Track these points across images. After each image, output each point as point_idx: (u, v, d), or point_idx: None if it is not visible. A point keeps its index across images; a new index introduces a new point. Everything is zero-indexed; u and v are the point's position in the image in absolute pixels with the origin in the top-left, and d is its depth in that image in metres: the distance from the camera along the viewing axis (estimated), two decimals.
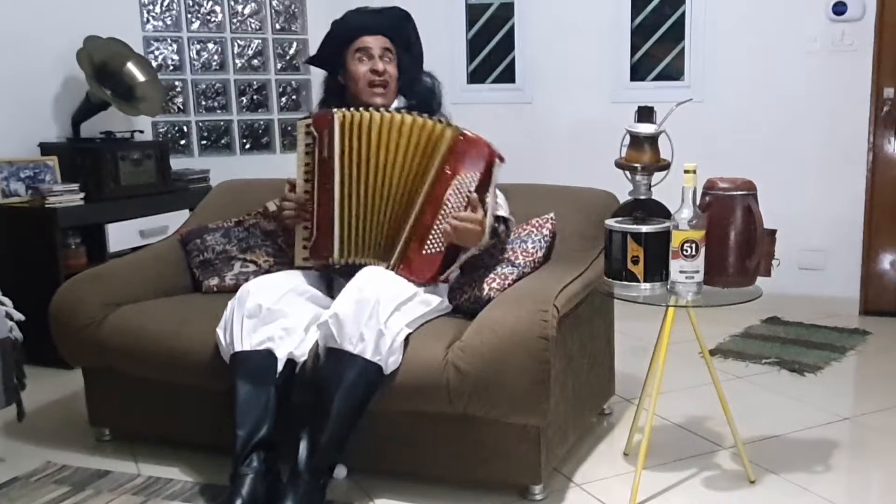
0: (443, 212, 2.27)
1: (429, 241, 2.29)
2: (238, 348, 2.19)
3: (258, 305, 2.21)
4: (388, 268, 2.31)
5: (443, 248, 2.29)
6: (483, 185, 2.27)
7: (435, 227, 2.28)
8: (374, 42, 2.49)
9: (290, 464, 2.09)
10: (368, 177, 2.33)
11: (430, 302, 2.31)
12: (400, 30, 2.55)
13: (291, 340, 2.20)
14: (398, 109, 2.43)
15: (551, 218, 2.53)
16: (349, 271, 2.40)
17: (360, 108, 2.35)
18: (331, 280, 2.51)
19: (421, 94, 2.52)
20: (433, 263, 2.30)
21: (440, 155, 2.28)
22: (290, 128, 4.73)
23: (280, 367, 2.17)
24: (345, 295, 2.17)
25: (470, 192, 2.25)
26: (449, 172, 2.26)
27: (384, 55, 2.49)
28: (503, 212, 2.41)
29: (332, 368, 2.12)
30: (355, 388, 2.09)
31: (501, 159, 2.28)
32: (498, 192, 2.40)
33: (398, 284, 2.24)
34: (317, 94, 4.71)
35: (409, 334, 2.19)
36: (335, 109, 2.35)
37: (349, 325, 2.10)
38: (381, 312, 2.12)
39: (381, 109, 2.36)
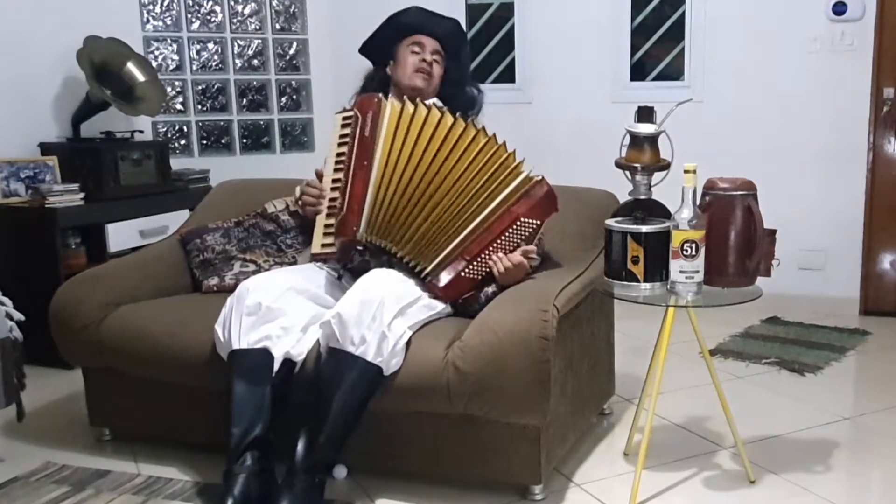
0: (495, 245, 2.29)
1: (473, 265, 2.31)
2: (235, 346, 2.19)
3: (258, 303, 2.20)
4: (423, 271, 2.30)
5: (480, 276, 2.32)
6: (537, 233, 2.33)
7: (483, 254, 2.29)
8: (429, 42, 2.58)
9: (288, 463, 2.09)
10: (415, 171, 2.31)
11: (433, 306, 2.30)
12: (454, 39, 2.63)
13: (289, 339, 2.20)
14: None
15: None
16: (361, 269, 2.39)
17: (419, 102, 2.38)
18: (340, 275, 2.49)
19: (459, 103, 2.58)
20: (465, 286, 2.32)
21: (510, 190, 2.30)
22: (289, 128, 4.74)
23: (277, 366, 2.17)
24: (349, 295, 2.17)
25: (526, 238, 2.30)
26: (515, 211, 2.29)
27: (434, 55, 2.58)
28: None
29: (332, 368, 2.12)
30: (355, 388, 2.09)
31: (557, 210, 2.36)
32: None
33: (403, 286, 2.24)
34: (319, 93, 4.76)
35: (411, 335, 2.18)
36: (386, 97, 2.42)
37: (352, 325, 2.09)
38: (385, 314, 2.11)
39: (446, 112, 2.37)
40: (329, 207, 2.39)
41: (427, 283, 2.31)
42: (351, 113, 2.43)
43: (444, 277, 2.30)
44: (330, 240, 2.36)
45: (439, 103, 2.56)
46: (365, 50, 2.69)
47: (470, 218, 2.31)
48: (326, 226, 2.39)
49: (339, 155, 2.42)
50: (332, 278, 2.47)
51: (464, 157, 2.32)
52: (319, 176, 2.46)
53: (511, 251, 2.30)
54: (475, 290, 2.34)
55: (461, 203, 2.31)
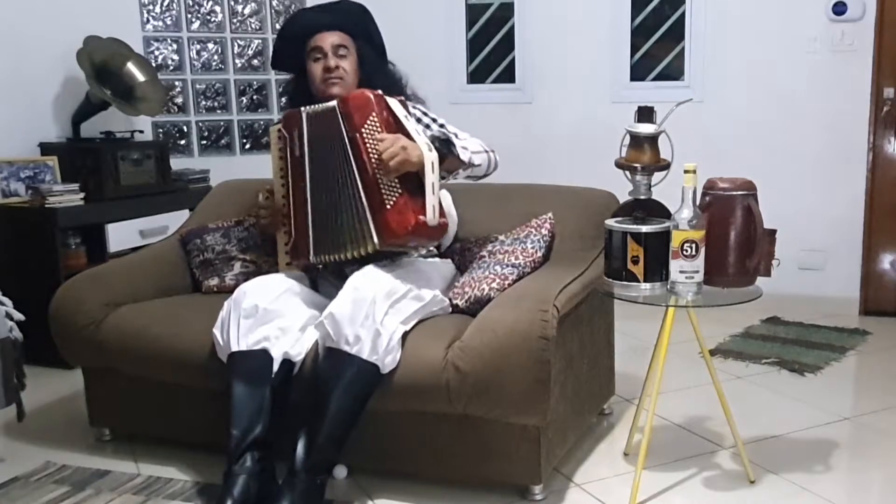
0: (374, 164, 2.24)
1: (385, 195, 2.24)
2: (234, 348, 2.19)
3: (255, 306, 2.21)
4: (378, 247, 2.26)
5: (400, 191, 2.24)
6: (388, 123, 2.27)
7: (379, 181, 2.24)
8: (327, 39, 2.48)
9: (288, 463, 2.09)
10: (336, 172, 2.32)
11: (423, 297, 2.28)
12: (355, 23, 2.53)
13: (287, 340, 2.20)
14: None
15: (549, 218, 2.53)
16: (336, 270, 2.41)
17: (324, 105, 2.35)
18: (314, 280, 2.50)
19: (383, 84, 2.48)
20: (405, 208, 2.23)
21: (343, 128, 2.28)
22: None
23: (276, 367, 2.17)
24: (342, 295, 2.17)
25: (379, 133, 2.25)
26: (357, 135, 2.25)
27: (337, 51, 2.48)
28: (452, 135, 2.38)
29: (329, 368, 2.12)
30: (352, 387, 2.09)
31: (382, 94, 2.30)
32: (449, 128, 2.42)
33: (392, 281, 2.23)
34: None
35: (407, 332, 2.18)
36: (304, 108, 2.37)
37: (345, 325, 2.10)
38: (377, 311, 2.11)
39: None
40: (283, 224, 2.42)
41: (387, 244, 2.27)
42: (281, 122, 2.41)
43: (389, 226, 2.24)
44: (289, 258, 2.42)
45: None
46: (276, 65, 2.64)
47: (352, 176, 2.28)
48: (286, 244, 2.42)
49: (280, 169, 2.42)
50: (321, 278, 2.48)
51: (332, 134, 2.31)
52: (271, 192, 2.47)
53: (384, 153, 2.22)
54: (418, 202, 2.25)
55: (349, 171, 2.29)
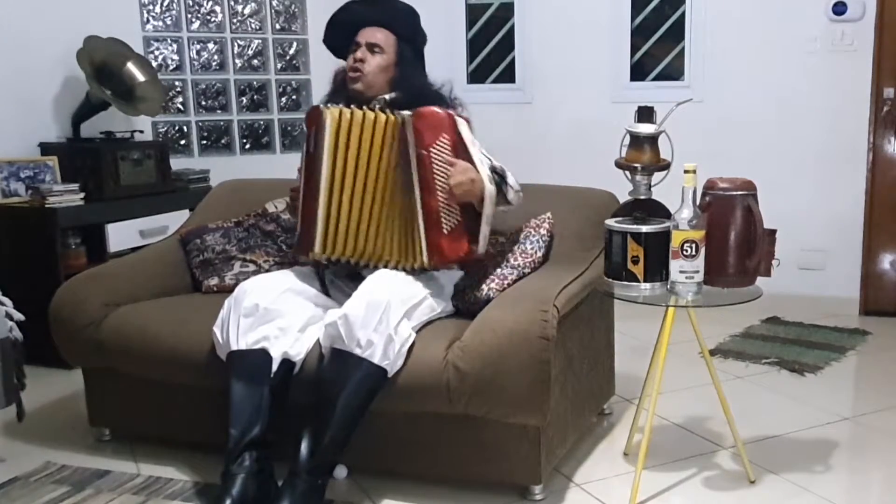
0: (439, 187, 2.25)
1: (444, 220, 2.26)
2: (233, 347, 2.19)
3: (255, 305, 2.20)
4: (425, 265, 2.29)
5: (459, 219, 2.28)
6: (459, 146, 2.29)
7: (440, 204, 2.26)
8: (368, 34, 2.46)
9: (289, 463, 2.09)
10: (366, 176, 2.30)
11: (435, 306, 2.31)
12: (401, 23, 2.51)
13: (287, 340, 2.20)
14: (384, 102, 2.41)
15: (548, 218, 2.53)
16: (351, 272, 2.40)
17: (361, 107, 2.33)
18: (322, 278, 2.50)
19: (415, 90, 2.45)
20: (461, 235, 2.28)
21: (411, 141, 2.26)
22: (289, 128, 4.74)
23: (275, 366, 2.17)
24: (356, 297, 2.16)
25: (448, 155, 2.26)
26: (424, 152, 2.25)
27: (372, 48, 2.45)
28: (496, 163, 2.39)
29: (337, 370, 2.12)
30: (360, 390, 2.09)
31: (461, 116, 2.31)
32: (486, 154, 2.37)
33: (410, 288, 2.24)
34: (319, 93, 4.74)
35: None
36: (329, 105, 2.34)
37: (358, 328, 2.09)
38: (392, 317, 2.11)
39: (367, 108, 2.33)
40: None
41: (436, 264, 2.29)
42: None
43: (441, 251, 2.26)
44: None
45: (389, 96, 2.47)
46: (330, 50, 2.62)
47: (412, 189, 2.27)
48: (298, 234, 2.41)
49: (303, 160, 2.41)
50: (330, 279, 2.47)
51: (385, 143, 2.30)
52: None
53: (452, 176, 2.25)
54: (472, 232, 2.29)
55: (401, 184, 2.29)
